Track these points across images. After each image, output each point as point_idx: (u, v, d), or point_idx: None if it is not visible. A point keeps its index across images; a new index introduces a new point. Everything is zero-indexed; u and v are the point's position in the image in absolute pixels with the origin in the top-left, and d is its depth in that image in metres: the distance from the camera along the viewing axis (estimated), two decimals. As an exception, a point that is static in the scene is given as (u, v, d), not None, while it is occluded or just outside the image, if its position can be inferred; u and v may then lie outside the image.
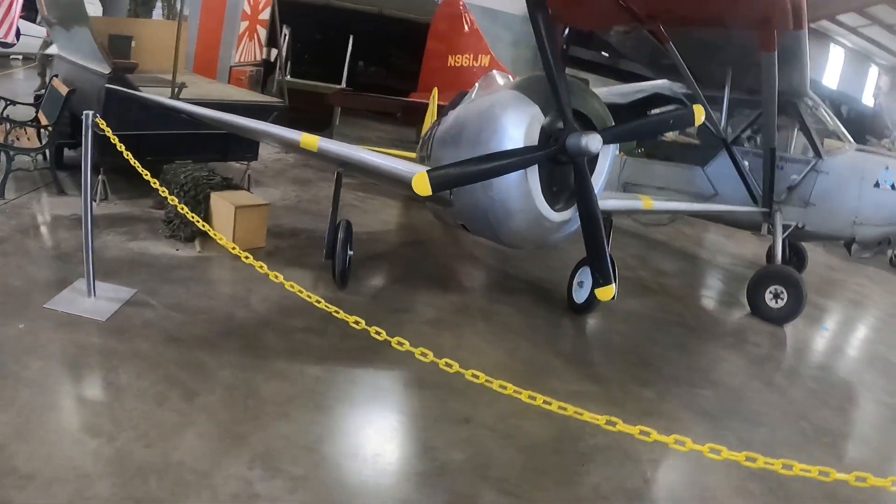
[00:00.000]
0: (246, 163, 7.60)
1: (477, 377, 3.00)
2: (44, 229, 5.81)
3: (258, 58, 10.55)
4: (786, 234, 7.11)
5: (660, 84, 7.77)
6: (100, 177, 6.47)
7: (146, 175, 4.37)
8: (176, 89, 6.54)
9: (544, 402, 2.89)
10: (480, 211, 4.45)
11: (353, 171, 5.67)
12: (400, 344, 3.18)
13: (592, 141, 3.75)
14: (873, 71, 26.05)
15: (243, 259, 3.85)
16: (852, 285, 9.14)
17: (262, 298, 5.09)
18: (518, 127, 4.01)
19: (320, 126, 9.97)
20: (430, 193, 3.71)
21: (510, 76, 5.66)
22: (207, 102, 6.66)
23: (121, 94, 5.97)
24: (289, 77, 9.29)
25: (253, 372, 4.05)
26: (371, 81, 12.32)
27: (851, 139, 7.07)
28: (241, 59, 10.07)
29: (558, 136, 3.98)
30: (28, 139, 6.65)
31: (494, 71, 5.86)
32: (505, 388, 2.97)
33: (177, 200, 4.51)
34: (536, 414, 3.98)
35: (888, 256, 10.28)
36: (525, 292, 6.41)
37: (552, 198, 4.18)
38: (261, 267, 3.75)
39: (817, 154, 6.86)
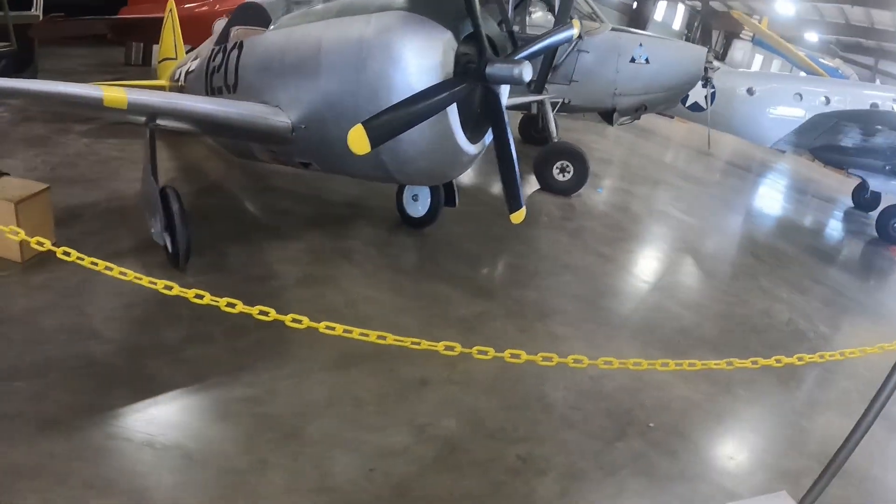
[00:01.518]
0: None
1: (417, 343, 2.59)
2: None
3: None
4: (555, 111, 7.56)
5: None
6: None
7: None
8: None
9: (479, 351, 2.62)
10: (381, 153, 3.65)
11: (180, 126, 4.25)
12: (297, 321, 2.57)
13: (525, 70, 3.27)
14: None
15: (75, 260, 2.61)
16: (590, 143, 10.31)
17: (105, 316, 3.70)
18: (429, 56, 3.34)
19: (19, 66, 7.30)
20: (369, 150, 2.97)
21: None
22: None
23: None
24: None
25: (175, 430, 3.00)
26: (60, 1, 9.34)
27: (605, 20, 7.57)
28: None
29: (467, 62, 3.41)
30: None
31: None
32: (453, 349, 2.63)
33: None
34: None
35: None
36: (356, 217, 5.81)
37: (464, 129, 3.65)
38: (94, 264, 2.58)
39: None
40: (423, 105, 3.15)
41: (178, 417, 3.12)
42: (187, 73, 5.46)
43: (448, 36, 3.40)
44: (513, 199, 3.79)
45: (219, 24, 8.41)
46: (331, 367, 3.61)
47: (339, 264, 4.84)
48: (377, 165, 3.83)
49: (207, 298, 2.63)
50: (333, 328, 2.57)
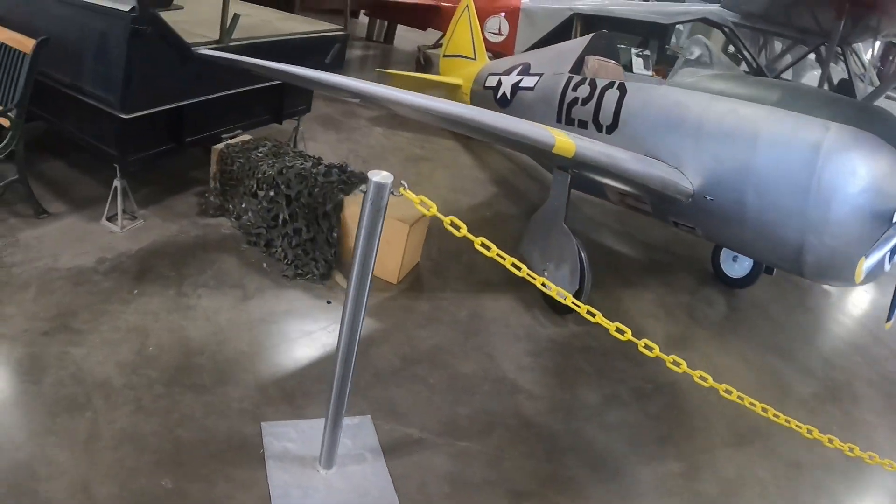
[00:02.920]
0: (297, 118, 4.90)
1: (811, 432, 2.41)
2: (85, 318, 2.92)
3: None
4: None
5: (708, 10, 6.47)
6: (116, 183, 3.61)
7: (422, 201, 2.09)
8: (228, 26, 3.67)
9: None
10: (805, 253, 3.36)
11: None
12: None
13: None
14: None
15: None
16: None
17: (516, 365, 3.26)
18: (892, 187, 3.10)
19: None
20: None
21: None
22: (262, 43, 4.00)
23: (154, 48, 3.22)
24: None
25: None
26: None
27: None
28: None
29: None
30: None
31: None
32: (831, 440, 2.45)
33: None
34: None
35: None
36: (675, 266, 5.06)
37: None
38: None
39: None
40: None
41: (633, 495, 2.69)
42: (516, 86, 4.93)
43: None
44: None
45: (494, 21, 7.93)
46: (730, 444, 3.19)
47: (687, 323, 4.27)
48: (793, 260, 3.45)
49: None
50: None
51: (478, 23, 5.99)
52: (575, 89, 4.35)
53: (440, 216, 2.07)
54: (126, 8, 3.09)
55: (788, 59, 6.97)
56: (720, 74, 3.97)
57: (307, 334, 3.16)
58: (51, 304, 2.97)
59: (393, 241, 3.54)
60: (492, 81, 5.28)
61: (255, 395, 2.72)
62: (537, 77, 4.78)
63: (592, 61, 4.50)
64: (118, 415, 2.48)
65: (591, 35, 4.56)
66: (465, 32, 5.98)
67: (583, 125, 4.26)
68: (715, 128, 3.53)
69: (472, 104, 5.81)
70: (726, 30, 6.50)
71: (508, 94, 5.02)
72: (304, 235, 3.58)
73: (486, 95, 5.31)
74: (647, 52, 6.91)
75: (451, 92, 5.86)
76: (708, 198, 3.55)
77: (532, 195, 5.67)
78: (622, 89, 4.04)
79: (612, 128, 4.06)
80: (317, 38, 4.47)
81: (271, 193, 3.62)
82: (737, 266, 4.85)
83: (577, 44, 4.64)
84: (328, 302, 3.42)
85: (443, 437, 2.70)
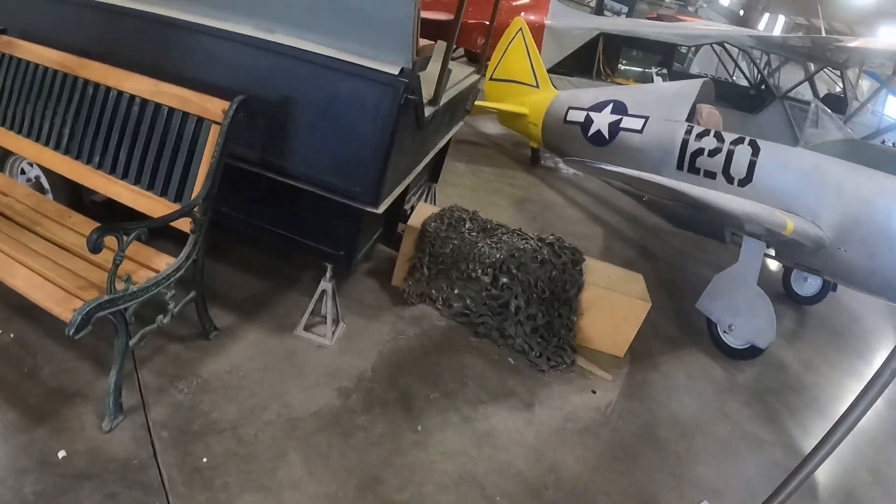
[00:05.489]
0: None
1: None
2: (395, 482, 2.16)
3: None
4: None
5: (730, 33, 6.55)
6: (325, 286, 2.65)
7: None
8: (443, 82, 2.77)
9: None
10: None
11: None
12: None
13: None
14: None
15: None
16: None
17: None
18: None
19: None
20: None
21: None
22: (453, 99, 3.19)
23: (409, 119, 2.39)
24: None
25: None
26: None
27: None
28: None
29: None
30: (146, 263, 2.17)
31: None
32: None
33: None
34: None
35: None
36: None
37: None
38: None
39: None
40: None
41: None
42: (616, 125, 4.57)
43: None
44: None
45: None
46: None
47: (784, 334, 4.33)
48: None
49: None
50: None
51: (535, 47, 5.42)
52: (699, 139, 4.22)
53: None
54: (395, 71, 2.21)
55: (789, 77, 7.27)
56: (846, 141, 4.13)
57: (601, 432, 2.67)
58: (339, 474, 2.15)
59: (630, 319, 3.16)
60: (576, 116, 4.86)
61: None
62: (642, 120, 4.51)
63: (705, 110, 4.45)
64: None
65: (700, 82, 4.44)
66: (520, 56, 5.40)
67: (710, 175, 4.18)
68: (855, 194, 3.65)
69: (544, 135, 5.35)
70: (744, 53, 6.68)
71: (606, 134, 4.67)
72: (540, 321, 2.99)
73: (570, 131, 4.90)
74: (664, 71, 6.93)
75: (512, 120, 5.30)
76: (842, 249, 3.69)
77: (626, 229, 5.41)
78: (754, 146, 4.01)
79: (746, 181, 4.04)
80: (471, 85, 3.70)
81: (504, 280, 2.95)
82: (806, 286, 5.08)
83: (686, 90, 4.48)
84: (593, 392, 2.91)
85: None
